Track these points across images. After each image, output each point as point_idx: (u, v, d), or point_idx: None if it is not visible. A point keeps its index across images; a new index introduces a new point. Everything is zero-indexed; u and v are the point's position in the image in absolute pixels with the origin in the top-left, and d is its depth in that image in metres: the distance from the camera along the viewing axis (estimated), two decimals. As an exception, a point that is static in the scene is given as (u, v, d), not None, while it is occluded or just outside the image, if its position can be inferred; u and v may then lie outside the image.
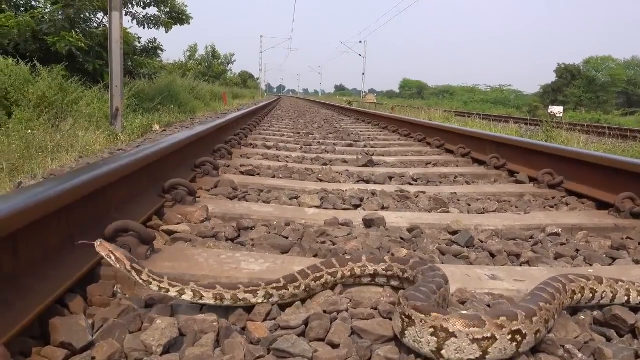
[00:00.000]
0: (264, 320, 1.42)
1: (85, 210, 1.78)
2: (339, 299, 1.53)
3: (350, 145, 6.43)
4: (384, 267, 1.64)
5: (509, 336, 1.20)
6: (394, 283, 1.65)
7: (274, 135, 7.39)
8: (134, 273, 1.40)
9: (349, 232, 2.32)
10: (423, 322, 1.21)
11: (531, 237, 2.40)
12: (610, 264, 2.08)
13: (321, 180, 3.71)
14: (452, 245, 2.23)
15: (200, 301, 1.41)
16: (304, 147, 5.96)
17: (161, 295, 1.46)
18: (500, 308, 1.49)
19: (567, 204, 3.15)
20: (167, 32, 16.86)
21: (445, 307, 1.45)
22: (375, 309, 1.49)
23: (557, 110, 24.19)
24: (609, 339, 1.42)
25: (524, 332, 1.22)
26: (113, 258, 1.40)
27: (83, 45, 12.71)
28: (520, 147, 4.25)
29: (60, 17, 13.05)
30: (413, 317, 1.22)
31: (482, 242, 2.30)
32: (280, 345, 1.25)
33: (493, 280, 1.74)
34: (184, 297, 1.40)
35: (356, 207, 2.91)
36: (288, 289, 1.49)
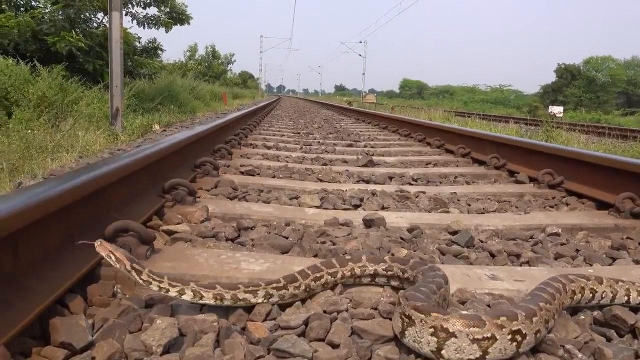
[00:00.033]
0: (264, 320, 1.42)
1: (85, 210, 1.78)
2: (339, 299, 1.53)
3: (350, 145, 6.43)
4: (384, 267, 1.64)
5: (509, 336, 1.20)
6: (394, 283, 1.66)
7: (274, 135, 7.39)
8: (134, 273, 1.40)
9: (349, 232, 2.32)
10: (423, 322, 1.21)
11: (531, 237, 2.40)
12: (610, 264, 2.08)
13: (321, 180, 3.71)
14: (452, 245, 2.23)
15: (201, 301, 1.41)
16: (304, 147, 5.96)
17: (161, 295, 1.46)
18: (500, 308, 1.49)
19: (567, 204, 3.15)
20: (167, 32, 16.87)
21: (445, 307, 1.45)
22: (375, 309, 1.49)
23: (557, 110, 24.19)
24: (609, 339, 1.42)
25: (524, 332, 1.22)
26: (113, 258, 1.40)
27: (83, 45, 12.71)
28: (520, 147, 4.25)
29: (60, 17, 13.05)
30: (413, 317, 1.22)
31: (482, 242, 2.30)
32: (280, 345, 1.25)
33: (493, 280, 1.74)
34: (184, 297, 1.40)
35: (356, 207, 2.91)
36: (288, 289, 1.49)
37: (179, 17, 17.07)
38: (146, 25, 16.60)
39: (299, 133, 8.11)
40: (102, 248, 1.42)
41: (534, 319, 1.25)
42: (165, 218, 2.37)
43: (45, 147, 5.97)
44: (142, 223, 2.03)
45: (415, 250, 2.12)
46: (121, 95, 8.34)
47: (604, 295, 1.55)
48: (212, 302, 1.41)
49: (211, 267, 1.72)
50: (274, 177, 3.78)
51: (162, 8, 16.75)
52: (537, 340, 1.26)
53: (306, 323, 1.37)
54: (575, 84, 58.26)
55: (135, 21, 16.42)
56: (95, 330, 1.32)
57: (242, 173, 3.83)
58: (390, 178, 3.93)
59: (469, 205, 3.06)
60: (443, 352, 1.19)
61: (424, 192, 3.30)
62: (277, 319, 1.41)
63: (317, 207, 2.84)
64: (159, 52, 18.21)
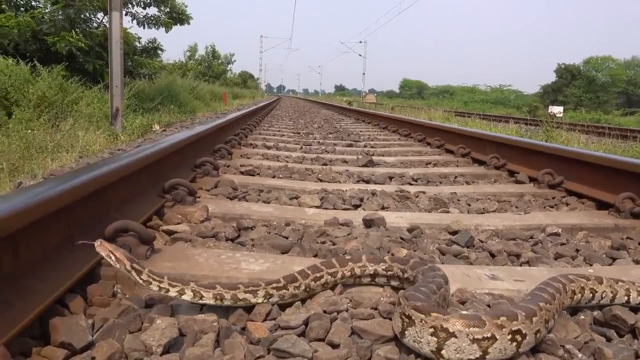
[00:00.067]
0: (264, 320, 1.42)
1: (85, 210, 1.78)
2: (339, 299, 1.53)
3: (350, 145, 6.43)
4: (384, 267, 1.64)
5: (509, 336, 1.20)
6: (394, 283, 1.66)
7: (274, 135, 7.39)
8: (134, 273, 1.40)
9: (349, 232, 2.32)
10: (423, 322, 1.21)
11: (531, 237, 2.40)
12: (610, 264, 2.08)
13: (321, 180, 3.71)
14: (452, 245, 2.23)
15: (200, 301, 1.41)
16: (304, 147, 5.96)
17: (161, 295, 1.46)
18: (500, 308, 1.49)
19: (567, 204, 3.15)
20: (167, 32, 16.87)
21: (445, 307, 1.45)
22: (375, 309, 1.49)
23: (557, 110, 24.19)
24: (609, 339, 1.42)
25: (524, 332, 1.22)
26: (113, 258, 1.40)
27: (83, 45, 12.72)
28: (520, 147, 4.25)
29: (60, 17, 13.05)
30: (413, 317, 1.22)
31: (482, 242, 2.30)
32: (280, 345, 1.25)
33: (493, 280, 1.74)
34: (184, 297, 1.40)
35: (356, 207, 2.91)
36: (288, 289, 1.49)
37: (179, 17, 17.07)
38: (146, 25, 16.61)
39: (299, 133, 8.11)
40: (102, 248, 1.42)
41: (534, 319, 1.25)
42: (165, 218, 2.37)
43: (45, 147, 5.97)
44: (142, 223, 2.03)
45: (415, 250, 2.12)
46: (121, 95, 8.34)
47: (604, 295, 1.55)
48: (212, 302, 1.41)
49: (211, 267, 1.72)
50: (274, 177, 3.78)
51: (162, 8, 16.76)
52: (537, 340, 1.26)
53: (306, 323, 1.37)
54: (575, 84, 58.27)
55: (135, 21, 16.44)
56: (95, 330, 1.32)
57: (242, 173, 3.83)
58: (390, 178, 3.93)
59: (469, 205, 3.06)
60: (443, 352, 1.19)
61: (424, 192, 3.30)
62: (277, 319, 1.41)
63: (317, 207, 2.84)
64: (159, 52, 18.23)
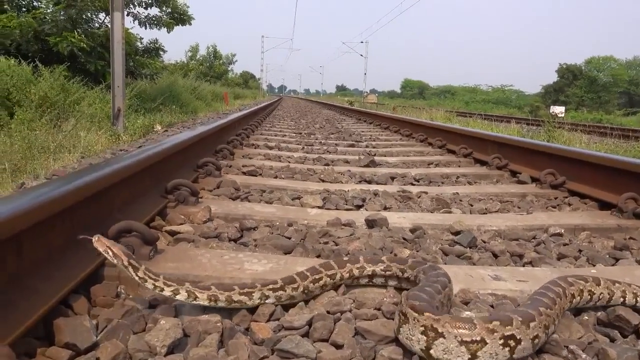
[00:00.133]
0: (268, 320, 1.42)
1: (89, 211, 1.78)
2: (342, 299, 1.53)
3: (352, 146, 6.43)
4: (382, 268, 1.64)
5: (501, 341, 1.19)
6: (393, 283, 1.66)
7: (275, 136, 7.39)
8: (130, 269, 1.39)
9: (352, 233, 2.32)
10: (416, 320, 1.22)
11: (534, 238, 2.39)
12: (613, 265, 2.08)
13: (323, 181, 3.71)
14: (455, 245, 2.23)
15: (195, 302, 1.40)
16: (305, 147, 5.96)
17: (162, 295, 1.45)
18: (498, 312, 1.49)
19: (569, 204, 3.14)
20: (168, 32, 16.90)
21: (449, 307, 1.45)
22: (379, 309, 1.49)
23: (558, 110, 24.19)
24: (612, 340, 1.42)
25: (518, 337, 1.21)
26: (110, 253, 1.40)
27: (85, 45, 12.74)
28: (522, 148, 4.24)
29: (62, 17, 13.08)
30: (408, 315, 1.23)
31: (484, 242, 2.30)
32: (284, 345, 1.25)
33: (496, 280, 1.74)
34: (178, 297, 1.39)
35: (358, 207, 2.91)
36: (285, 290, 1.48)
37: (180, 18, 17.09)
38: (148, 26, 16.65)
39: (300, 133, 8.11)
40: (100, 243, 1.41)
41: (532, 324, 1.23)
42: (168, 218, 2.37)
43: (47, 147, 5.99)
44: (145, 224, 2.03)
45: (417, 251, 2.12)
46: (123, 95, 8.35)
47: (600, 297, 1.55)
48: (206, 303, 1.40)
49: (214, 268, 1.72)
50: (276, 177, 3.78)
51: (164, 8, 16.79)
52: (535, 346, 1.25)
53: (310, 323, 1.37)
54: (577, 84, 58.23)
55: (137, 21, 16.48)
56: (99, 330, 1.32)
57: (244, 173, 3.83)
58: (392, 178, 3.93)
59: (472, 205, 3.06)
60: (432, 351, 1.19)
61: (426, 193, 3.30)
62: (280, 319, 1.41)
63: (319, 207, 2.84)
64: (161, 52, 18.25)
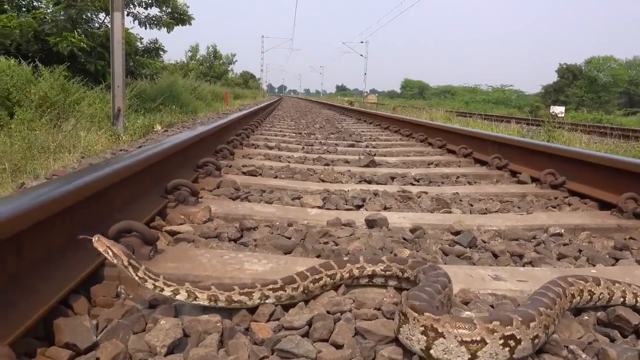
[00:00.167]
0: (268, 320, 1.42)
1: (89, 211, 1.78)
2: (342, 299, 1.53)
3: (352, 146, 6.43)
4: (382, 268, 1.64)
5: (501, 341, 1.19)
6: (393, 283, 1.66)
7: (275, 136, 7.39)
8: (130, 269, 1.39)
9: (352, 233, 2.32)
10: (416, 320, 1.22)
11: (534, 238, 2.39)
12: (613, 265, 2.08)
13: (323, 181, 3.71)
14: (455, 245, 2.23)
15: (195, 302, 1.40)
16: (305, 147, 5.96)
17: (162, 295, 1.45)
18: (498, 312, 1.49)
19: (569, 204, 3.14)
20: (168, 32, 16.91)
21: (450, 307, 1.45)
22: (379, 309, 1.49)
23: (558, 110, 24.20)
24: (612, 340, 1.42)
25: (518, 337, 1.21)
26: (110, 253, 1.39)
27: (85, 45, 12.75)
28: (522, 148, 4.25)
29: (62, 17, 13.09)
30: (408, 315, 1.24)
31: (484, 242, 2.30)
32: (284, 345, 1.25)
33: (496, 280, 1.74)
34: (178, 297, 1.39)
35: (358, 207, 2.91)
36: (285, 291, 1.48)
37: (180, 18, 17.09)
38: (148, 26, 16.65)
39: (300, 133, 8.11)
40: (100, 243, 1.41)
41: (532, 324, 1.23)
42: (168, 218, 2.37)
43: (47, 147, 5.99)
44: (145, 224, 2.03)
45: (418, 251, 2.12)
46: (123, 95, 8.36)
47: (601, 297, 1.55)
48: (206, 303, 1.40)
49: (214, 268, 1.72)
50: (276, 177, 3.78)
51: (164, 8, 16.79)
52: (535, 346, 1.25)
53: (310, 323, 1.37)
54: (577, 84, 58.25)
55: (137, 21, 16.48)
56: (99, 330, 1.32)
57: (244, 173, 3.83)
58: (392, 178, 3.93)
59: (472, 205, 3.06)
60: (432, 351, 1.19)
61: (426, 193, 3.30)
62: (280, 319, 1.41)
63: (319, 207, 2.84)
64: (161, 52, 18.25)
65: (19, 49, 12.51)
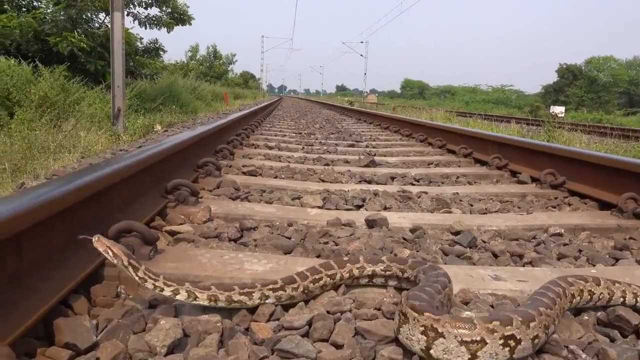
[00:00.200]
0: (268, 320, 1.42)
1: (89, 211, 1.78)
2: (342, 299, 1.53)
3: (352, 146, 6.43)
4: (382, 268, 1.64)
5: (501, 341, 1.19)
6: (393, 283, 1.66)
7: (275, 136, 7.39)
8: (130, 269, 1.39)
9: (352, 233, 2.32)
10: (416, 320, 1.22)
11: (534, 238, 2.39)
12: (613, 265, 2.08)
13: (323, 181, 3.71)
14: (455, 245, 2.23)
15: (195, 302, 1.40)
16: (305, 147, 5.96)
17: (162, 295, 1.45)
18: (498, 312, 1.49)
19: (569, 204, 3.14)
20: (168, 32, 16.91)
21: (450, 307, 1.45)
22: (379, 309, 1.49)
23: (558, 110, 24.21)
24: (612, 340, 1.42)
25: (518, 337, 1.21)
26: (110, 253, 1.39)
27: (85, 45, 12.75)
28: (522, 148, 4.25)
29: (62, 17, 13.09)
30: (408, 315, 1.24)
31: (484, 242, 2.30)
32: (284, 345, 1.25)
33: (496, 280, 1.74)
34: (178, 297, 1.39)
35: (358, 207, 2.91)
36: (285, 290, 1.48)
37: (180, 18, 17.10)
38: (148, 26, 16.65)
39: (300, 133, 8.11)
40: (100, 243, 1.41)
41: (532, 324, 1.23)
42: (168, 218, 2.37)
43: (47, 147, 5.99)
44: (145, 224, 2.03)
45: (418, 251, 2.12)
46: (123, 95, 8.36)
47: (601, 297, 1.55)
48: (206, 303, 1.40)
49: (214, 268, 1.72)
50: (276, 177, 3.78)
51: (164, 8, 16.79)
52: (535, 346, 1.25)
53: (310, 323, 1.37)
54: (577, 84, 58.26)
55: (137, 21, 16.48)
56: (99, 330, 1.32)
57: (244, 173, 3.83)
58: (392, 178, 3.93)
59: (472, 205, 3.06)
60: (432, 351, 1.19)
61: (426, 193, 3.30)
62: (280, 319, 1.41)
63: (319, 207, 2.84)
64: (161, 52, 18.25)
65: (19, 49, 12.52)
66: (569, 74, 59.30)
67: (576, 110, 37.06)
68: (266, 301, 1.45)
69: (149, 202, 2.37)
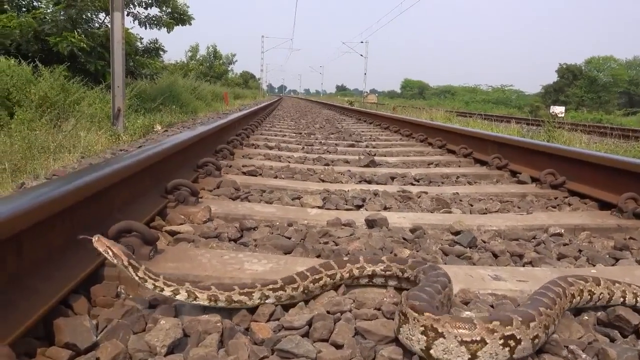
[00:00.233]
0: (268, 320, 1.42)
1: (88, 211, 1.78)
2: (342, 299, 1.53)
3: (352, 146, 6.43)
4: (382, 268, 1.64)
5: (501, 341, 1.19)
6: (393, 283, 1.66)
7: (275, 136, 7.39)
8: (130, 269, 1.39)
9: (352, 233, 2.32)
10: (416, 320, 1.22)
11: (534, 238, 2.39)
12: (613, 265, 2.08)
13: (323, 181, 3.71)
14: (455, 245, 2.23)
15: (195, 302, 1.40)
16: (305, 147, 5.96)
17: (162, 295, 1.45)
18: (498, 312, 1.49)
19: (569, 204, 3.14)
20: (168, 32, 16.91)
21: (450, 307, 1.45)
22: (379, 309, 1.49)
23: (558, 110, 24.22)
24: (612, 340, 1.42)
25: (518, 337, 1.21)
26: (110, 253, 1.39)
27: (85, 45, 12.75)
28: (522, 148, 4.25)
29: (62, 17, 13.09)
30: (408, 315, 1.24)
31: (484, 242, 2.30)
32: (284, 345, 1.25)
33: (496, 280, 1.74)
34: (178, 297, 1.39)
35: (358, 207, 2.91)
36: (285, 290, 1.48)
37: (180, 18, 17.10)
38: (148, 26, 16.65)
39: (300, 133, 8.11)
40: (100, 243, 1.41)
41: (532, 324, 1.23)
42: (168, 218, 2.37)
43: (47, 147, 5.99)
44: (145, 224, 2.03)
45: (418, 251, 2.12)
46: (123, 95, 8.36)
47: (601, 297, 1.55)
48: (206, 303, 1.40)
49: (214, 268, 1.72)
50: (276, 177, 3.78)
51: (164, 8, 16.79)
52: (535, 346, 1.25)
53: (310, 323, 1.37)
54: (577, 84, 58.27)
55: (137, 21, 16.48)
56: (99, 330, 1.32)
57: (244, 173, 3.83)
58: (392, 178, 3.93)
59: (472, 205, 3.06)
60: (432, 351, 1.19)
61: (426, 193, 3.30)
62: (280, 319, 1.41)
63: (319, 207, 2.84)
64: (161, 52, 18.25)
65: (19, 49, 12.52)
66: (569, 74, 59.31)
67: (576, 110, 37.06)
68: (266, 301, 1.45)
69: (149, 202, 2.37)
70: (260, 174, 3.85)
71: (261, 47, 71.37)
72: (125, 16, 9.20)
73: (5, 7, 13.60)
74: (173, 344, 1.26)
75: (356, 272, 1.63)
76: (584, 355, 1.27)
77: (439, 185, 3.79)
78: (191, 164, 3.45)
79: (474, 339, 1.18)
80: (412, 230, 2.41)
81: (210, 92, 24.93)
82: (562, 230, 2.46)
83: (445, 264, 1.98)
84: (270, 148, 5.68)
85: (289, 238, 2.21)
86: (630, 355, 1.26)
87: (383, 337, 1.33)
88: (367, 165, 4.50)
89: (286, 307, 1.48)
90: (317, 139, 7.15)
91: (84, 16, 13.96)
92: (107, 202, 1.98)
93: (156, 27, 16.67)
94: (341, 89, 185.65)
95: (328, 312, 1.45)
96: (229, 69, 65.60)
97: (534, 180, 3.77)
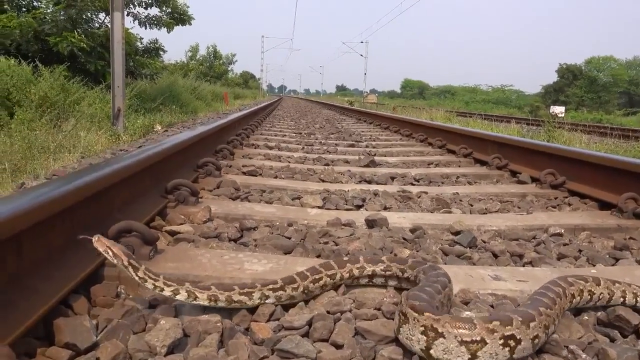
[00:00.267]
0: (268, 320, 1.42)
1: (88, 211, 1.78)
2: (342, 299, 1.53)
3: (352, 146, 6.43)
4: (382, 268, 1.64)
5: (501, 341, 1.19)
6: (393, 283, 1.66)
7: (275, 136, 7.39)
8: (130, 269, 1.39)
9: (352, 233, 2.32)
10: (416, 320, 1.22)
11: (534, 238, 2.39)
12: (613, 265, 2.08)
13: (323, 181, 3.71)
14: (455, 245, 2.23)
15: (195, 302, 1.40)
16: (305, 147, 5.96)
17: (162, 295, 1.45)
18: (498, 312, 1.49)
19: (569, 204, 3.14)
20: (168, 32, 16.91)
21: (450, 307, 1.45)
22: (379, 309, 1.49)
23: (558, 110, 24.22)
24: (612, 340, 1.42)
25: (518, 337, 1.21)
26: (110, 253, 1.39)
27: (85, 45, 12.75)
28: (522, 148, 4.25)
29: (62, 17, 13.09)
30: (408, 315, 1.24)
31: (484, 242, 2.30)
32: (284, 345, 1.25)
33: (496, 280, 1.74)
34: (178, 297, 1.39)
35: (358, 207, 2.91)
36: (285, 290, 1.48)
37: (180, 18, 17.10)
38: (148, 26, 16.65)
39: (300, 133, 8.11)
40: (100, 243, 1.41)
41: (532, 324, 1.23)
42: (168, 218, 2.37)
43: (47, 147, 5.99)
44: (145, 224, 2.03)
45: (418, 251, 2.12)
46: (123, 95, 8.36)
47: (601, 297, 1.55)
48: (206, 303, 1.40)
49: (214, 268, 1.72)
50: (276, 177, 3.78)
51: (164, 8, 16.79)
52: (535, 346, 1.25)
53: (310, 323, 1.37)
54: (577, 84, 58.27)
55: (137, 21, 16.48)
56: (99, 330, 1.32)
57: (244, 173, 3.83)
58: (392, 178, 3.93)
59: (472, 205, 3.06)
60: (432, 351, 1.19)
61: (426, 193, 3.30)
62: (280, 319, 1.41)
63: (319, 207, 2.84)
64: (161, 52, 18.25)
65: (19, 49, 12.52)
66: (569, 74, 59.31)
67: (576, 110, 37.05)
68: (266, 301, 1.45)
69: (149, 202, 2.37)
70: (260, 174, 3.85)
71: (261, 47, 71.42)
72: (125, 16, 9.20)
73: (5, 7, 13.60)
74: (173, 344, 1.26)
75: (356, 272, 1.63)
76: (584, 355, 1.27)
77: (439, 185, 3.79)
78: (191, 164, 3.45)
79: (474, 339, 1.18)
80: (412, 230, 2.41)
81: (210, 92, 24.93)
82: (562, 230, 2.46)
83: (445, 264, 1.98)
84: (270, 148, 5.68)
85: (289, 238, 2.21)
86: (630, 355, 1.26)
87: (383, 337, 1.33)
88: (367, 165, 4.50)
89: (286, 307, 1.48)
90: (317, 139, 7.15)
91: (84, 16, 13.96)
92: (107, 202, 1.98)
93: (156, 27, 16.68)
94: (341, 89, 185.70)
95: (328, 312, 1.45)
96: (229, 69, 65.68)
97: (534, 180, 3.77)
